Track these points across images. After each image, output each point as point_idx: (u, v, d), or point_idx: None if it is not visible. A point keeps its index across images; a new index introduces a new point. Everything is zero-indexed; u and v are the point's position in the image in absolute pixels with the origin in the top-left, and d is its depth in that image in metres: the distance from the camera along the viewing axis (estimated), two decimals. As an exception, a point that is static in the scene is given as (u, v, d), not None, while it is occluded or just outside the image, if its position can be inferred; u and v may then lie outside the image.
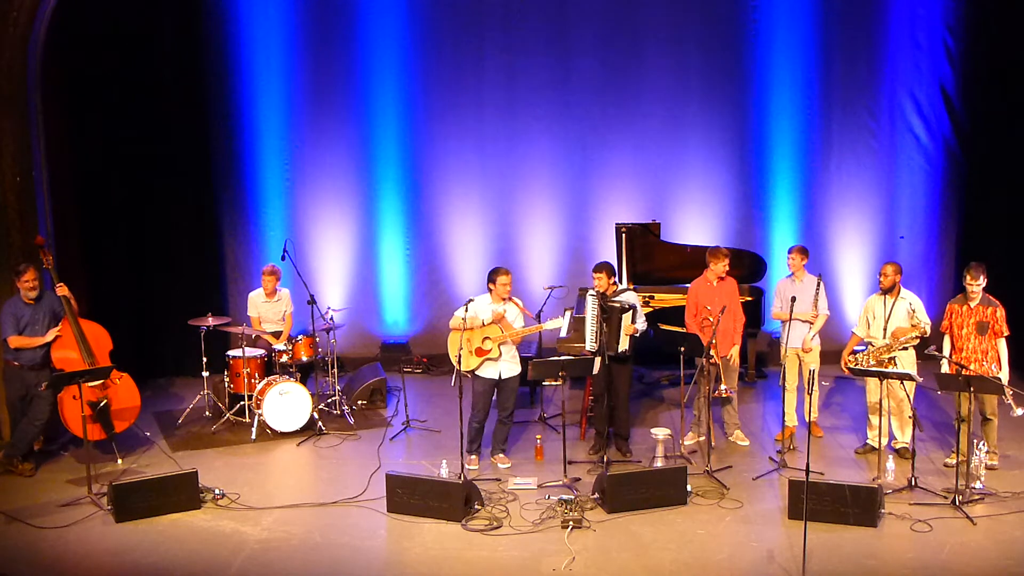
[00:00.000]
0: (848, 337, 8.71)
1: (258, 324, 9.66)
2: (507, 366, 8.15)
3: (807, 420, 7.78)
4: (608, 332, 8.00)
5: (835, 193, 11.33)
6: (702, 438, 8.45)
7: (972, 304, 7.81)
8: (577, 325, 8.67)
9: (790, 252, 8.71)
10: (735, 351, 8.51)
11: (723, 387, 8.31)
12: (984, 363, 7.76)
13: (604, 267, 8.21)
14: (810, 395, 7.60)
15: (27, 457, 8.24)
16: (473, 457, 8.27)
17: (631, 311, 8.09)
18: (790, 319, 8.32)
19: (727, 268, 8.46)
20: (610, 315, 8.02)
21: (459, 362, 7.93)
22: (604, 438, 8.42)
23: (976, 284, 7.75)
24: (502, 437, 8.38)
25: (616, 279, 8.53)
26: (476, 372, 8.12)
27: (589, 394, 8.95)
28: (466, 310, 7.93)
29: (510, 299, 8.17)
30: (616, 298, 8.14)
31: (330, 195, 11.42)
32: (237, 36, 11.06)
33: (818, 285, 8.53)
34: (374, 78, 11.29)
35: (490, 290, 8.17)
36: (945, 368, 7.74)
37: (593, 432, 8.60)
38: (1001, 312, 7.79)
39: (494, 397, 8.25)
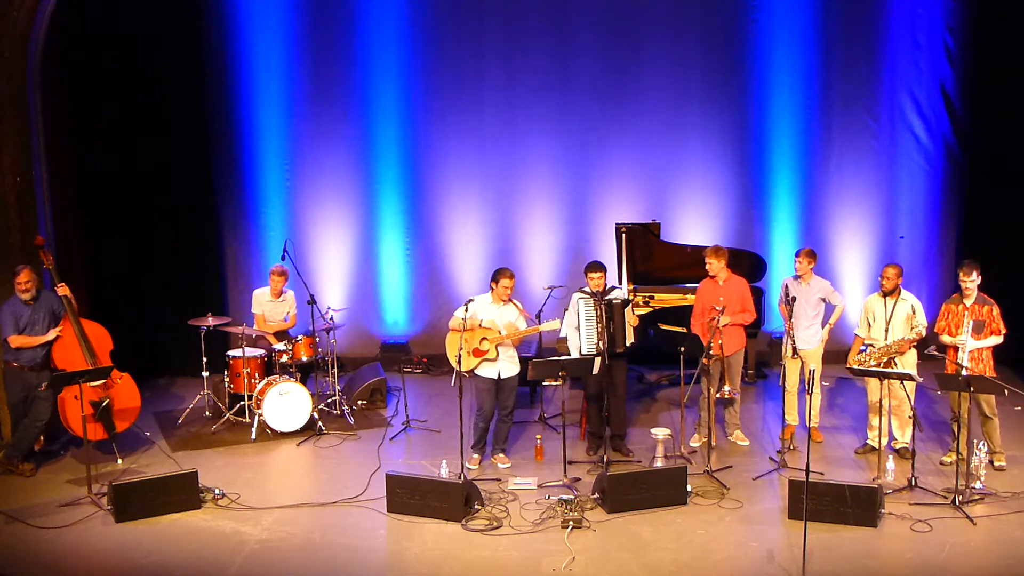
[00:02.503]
0: (849, 337, 8.70)
1: (263, 320, 9.66)
2: (506, 366, 8.16)
3: (807, 424, 7.77)
4: (614, 329, 8.00)
5: (835, 193, 11.33)
6: (707, 439, 8.45)
7: (968, 303, 7.81)
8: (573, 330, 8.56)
9: (798, 255, 8.58)
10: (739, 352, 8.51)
11: (726, 388, 8.30)
12: (981, 363, 7.77)
13: (601, 266, 8.18)
14: (810, 395, 7.60)
15: (27, 457, 8.24)
16: (476, 456, 8.29)
17: (629, 304, 8.11)
18: (789, 318, 8.31)
19: (720, 267, 8.40)
20: (613, 312, 8.01)
21: (459, 362, 7.93)
22: (600, 439, 8.42)
23: (969, 281, 7.74)
24: (502, 436, 8.38)
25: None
26: (475, 372, 8.12)
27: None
28: (466, 310, 7.93)
29: (510, 301, 8.16)
30: (610, 295, 8.14)
31: (330, 195, 11.42)
32: (237, 36, 11.07)
33: (826, 296, 8.56)
34: (374, 78, 11.29)
35: (491, 289, 8.16)
36: (971, 343, 7.66)
37: (589, 432, 8.59)
38: (997, 310, 7.78)
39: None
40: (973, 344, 7.72)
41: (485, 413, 8.21)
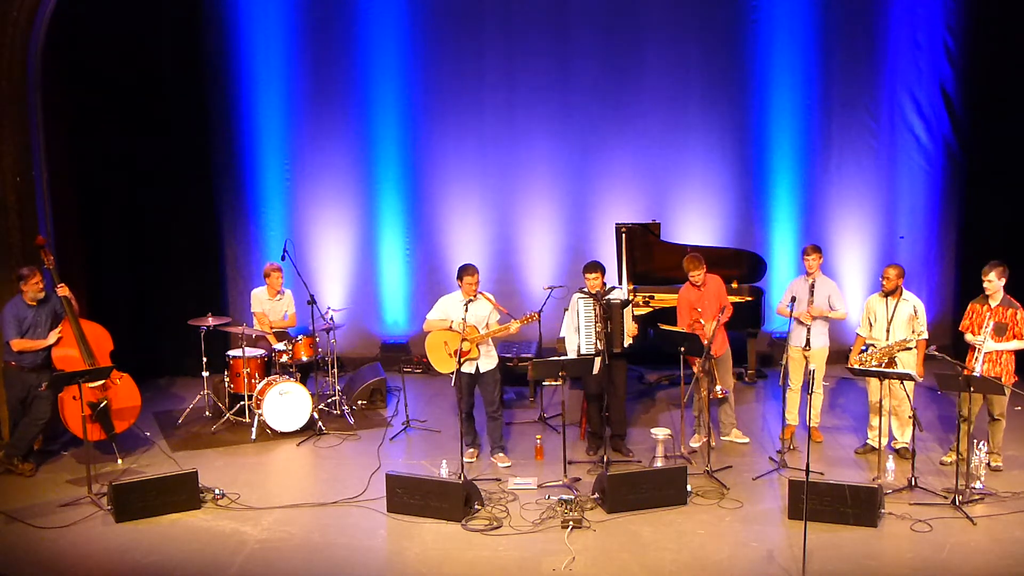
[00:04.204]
0: (850, 338, 8.68)
1: (266, 319, 9.65)
2: (483, 360, 8.19)
3: (807, 424, 7.77)
4: (612, 330, 7.99)
5: (835, 193, 11.32)
6: (707, 439, 8.44)
7: (993, 304, 7.78)
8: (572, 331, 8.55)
9: (810, 253, 8.48)
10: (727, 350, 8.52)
11: (718, 388, 8.30)
12: (999, 365, 7.74)
13: (599, 267, 8.16)
14: (810, 395, 7.58)
15: (27, 457, 8.24)
16: (472, 450, 8.32)
17: (629, 305, 8.10)
18: (790, 315, 8.30)
19: (703, 274, 8.39)
20: (611, 313, 8.01)
21: (458, 360, 7.95)
22: (600, 439, 8.42)
23: (986, 280, 7.69)
24: (497, 435, 8.38)
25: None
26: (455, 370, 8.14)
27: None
28: (466, 310, 7.93)
29: (481, 294, 8.17)
30: (610, 296, 8.13)
31: (330, 195, 11.42)
32: (237, 36, 11.07)
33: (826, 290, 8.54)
34: (374, 78, 11.29)
35: (459, 288, 8.18)
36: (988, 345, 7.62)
37: (589, 432, 8.59)
38: (1021, 314, 7.71)
39: (477, 392, 8.30)
40: (992, 346, 7.66)
41: (464, 405, 8.22)
